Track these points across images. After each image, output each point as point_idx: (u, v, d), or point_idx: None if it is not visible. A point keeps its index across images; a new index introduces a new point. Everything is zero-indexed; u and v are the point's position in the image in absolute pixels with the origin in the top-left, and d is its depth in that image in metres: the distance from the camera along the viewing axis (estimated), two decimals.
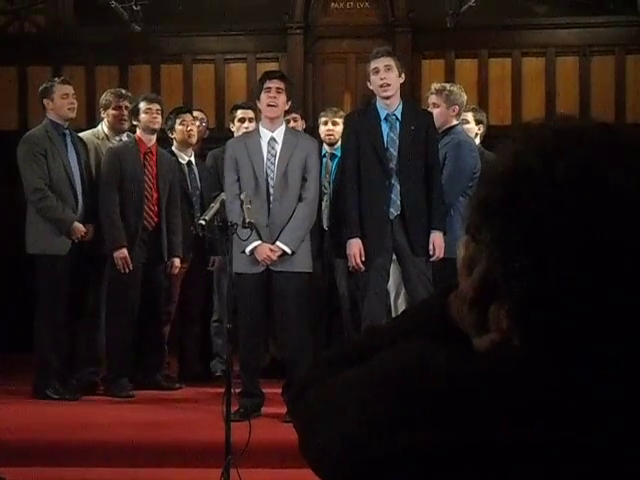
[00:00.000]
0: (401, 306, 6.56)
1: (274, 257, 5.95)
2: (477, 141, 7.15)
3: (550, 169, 1.01)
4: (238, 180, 6.05)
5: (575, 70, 9.58)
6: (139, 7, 9.03)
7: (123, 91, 7.49)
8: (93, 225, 6.79)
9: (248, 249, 5.92)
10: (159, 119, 6.97)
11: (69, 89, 6.90)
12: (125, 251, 6.70)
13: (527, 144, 1.05)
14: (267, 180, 6.05)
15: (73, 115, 6.90)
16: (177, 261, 7.02)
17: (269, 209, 6.02)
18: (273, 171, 6.05)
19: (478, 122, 7.22)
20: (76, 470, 5.13)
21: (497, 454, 0.97)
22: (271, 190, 6.04)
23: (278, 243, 5.98)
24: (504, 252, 1.03)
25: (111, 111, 7.21)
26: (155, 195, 6.93)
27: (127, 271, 6.71)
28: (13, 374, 7.47)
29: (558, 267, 0.99)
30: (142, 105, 6.90)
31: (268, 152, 6.08)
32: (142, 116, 6.88)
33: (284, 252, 5.98)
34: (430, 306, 1.26)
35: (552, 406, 0.99)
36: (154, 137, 6.98)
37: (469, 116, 7.16)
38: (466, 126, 7.08)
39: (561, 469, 0.96)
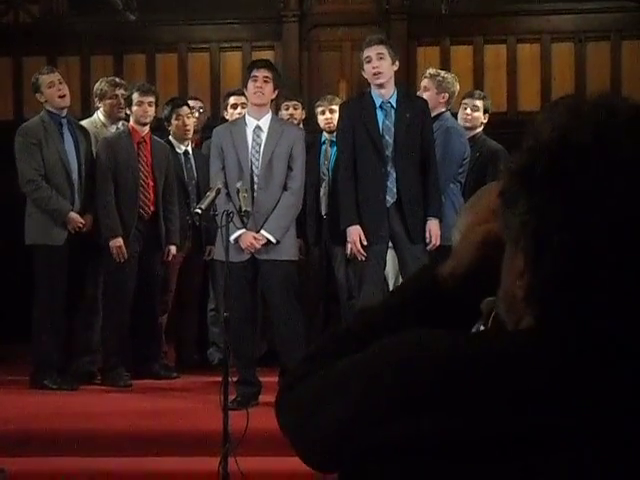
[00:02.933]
0: None
1: (258, 245, 5.95)
2: (480, 129, 7.12)
3: (606, 148, 0.98)
4: (223, 168, 6.05)
5: (570, 56, 9.56)
6: None
7: (117, 79, 7.48)
8: (91, 215, 6.77)
9: (232, 237, 5.91)
10: (151, 112, 6.91)
11: (53, 77, 6.84)
12: (120, 240, 6.68)
13: (579, 119, 1.02)
14: (252, 168, 6.05)
15: (65, 103, 6.82)
16: (173, 248, 6.99)
17: (253, 198, 6.01)
18: (258, 159, 6.05)
19: (485, 110, 7.18)
20: (74, 460, 5.13)
21: (498, 441, 0.96)
22: (255, 179, 6.04)
23: (262, 232, 5.98)
24: (541, 224, 1.01)
25: (107, 100, 7.19)
26: (151, 183, 6.91)
27: (122, 260, 6.70)
28: (11, 364, 7.48)
29: (599, 248, 0.97)
30: (135, 96, 6.84)
31: (253, 140, 6.07)
32: (134, 108, 6.84)
33: (268, 241, 5.98)
34: (420, 279, 1.25)
35: (556, 393, 0.98)
36: (147, 127, 6.96)
37: (480, 104, 7.13)
38: (475, 114, 7.06)
39: (564, 456, 0.96)
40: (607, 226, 0.97)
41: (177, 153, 7.31)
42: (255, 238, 5.94)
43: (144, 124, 6.89)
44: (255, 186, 6.03)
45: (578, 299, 1.00)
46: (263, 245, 5.97)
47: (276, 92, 6.15)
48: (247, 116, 6.18)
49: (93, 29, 9.61)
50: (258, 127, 6.10)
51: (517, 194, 1.04)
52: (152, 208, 6.90)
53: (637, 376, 0.99)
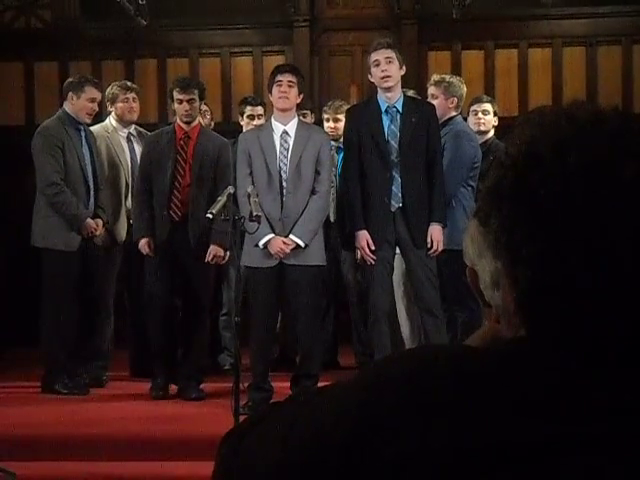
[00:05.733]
0: (402, 299, 6.52)
1: (287, 250, 5.94)
2: (492, 133, 7.12)
3: (562, 157, 0.99)
4: (250, 174, 6.05)
5: (582, 60, 9.56)
6: (144, 1, 9.04)
7: (128, 83, 7.50)
8: (101, 220, 6.76)
9: (261, 242, 5.92)
10: (190, 109, 6.47)
11: (97, 94, 6.84)
12: (145, 240, 6.45)
13: (541, 130, 1.03)
14: (280, 174, 6.04)
15: (89, 121, 6.87)
16: (213, 248, 6.43)
17: (282, 202, 6.02)
18: (286, 164, 6.05)
19: (494, 113, 7.19)
20: (85, 464, 5.13)
21: (507, 452, 0.95)
22: (284, 183, 6.04)
23: (291, 236, 5.97)
24: (511, 239, 1.02)
25: (119, 104, 7.20)
26: (186, 184, 6.48)
27: (151, 256, 6.47)
28: (22, 369, 7.49)
29: (564, 256, 0.98)
30: (175, 94, 6.53)
31: (281, 145, 6.07)
32: (176, 105, 6.55)
33: (297, 245, 5.98)
34: None
35: (556, 400, 0.97)
36: (194, 122, 6.58)
37: (489, 107, 7.12)
38: (487, 117, 7.06)
39: (572, 463, 0.94)
40: (568, 234, 0.98)
41: None
42: (284, 243, 5.94)
43: (187, 122, 6.53)
44: (284, 191, 6.03)
45: (553, 307, 1.00)
46: (292, 250, 5.97)
47: (301, 96, 6.15)
48: (273, 121, 6.17)
49: (104, 34, 9.65)
50: (285, 132, 6.09)
51: (489, 212, 1.05)
52: (183, 210, 6.48)
53: (626, 377, 0.98)
